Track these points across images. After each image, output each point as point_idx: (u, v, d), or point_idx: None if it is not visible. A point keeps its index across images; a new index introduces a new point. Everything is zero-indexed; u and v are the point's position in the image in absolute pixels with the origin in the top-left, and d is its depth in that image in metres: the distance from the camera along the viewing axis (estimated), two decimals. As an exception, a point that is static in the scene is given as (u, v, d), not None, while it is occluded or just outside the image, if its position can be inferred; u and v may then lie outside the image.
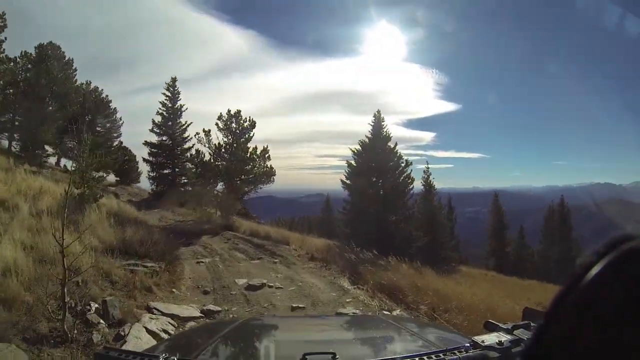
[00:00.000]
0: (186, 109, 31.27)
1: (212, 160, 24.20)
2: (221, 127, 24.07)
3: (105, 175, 23.00)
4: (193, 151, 27.00)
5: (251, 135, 24.64)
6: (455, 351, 1.35)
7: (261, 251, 13.97)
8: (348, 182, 31.30)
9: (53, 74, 27.15)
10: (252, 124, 24.73)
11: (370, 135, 32.30)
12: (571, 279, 0.50)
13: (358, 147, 31.31)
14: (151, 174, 31.03)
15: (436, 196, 32.99)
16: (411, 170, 31.00)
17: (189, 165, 30.18)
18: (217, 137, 24.04)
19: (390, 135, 32.64)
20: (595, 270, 0.48)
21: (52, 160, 30.95)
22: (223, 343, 1.84)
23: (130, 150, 34.89)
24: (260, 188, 24.54)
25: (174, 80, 31.17)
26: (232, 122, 24.19)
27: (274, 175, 24.43)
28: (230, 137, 24.11)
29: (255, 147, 24.04)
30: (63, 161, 32.04)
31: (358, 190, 30.43)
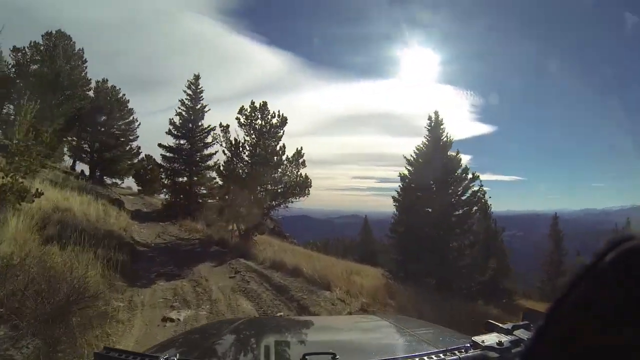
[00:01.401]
0: (208, 109, 26.76)
1: (230, 164, 19.20)
2: (243, 122, 19.15)
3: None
4: (216, 158, 22.65)
5: (280, 134, 19.60)
6: (455, 351, 1.34)
7: (284, 299, 8.75)
8: (400, 198, 25.93)
9: (57, 64, 23.33)
10: (283, 121, 19.72)
11: (426, 142, 26.82)
12: (571, 280, 0.49)
13: (413, 154, 26.08)
14: (164, 182, 26.55)
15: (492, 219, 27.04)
16: (479, 185, 25.36)
17: (209, 174, 25.71)
18: (237, 135, 19.10)
19: (452, 141, 27.08)
20: (595, 270, 0.48)
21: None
22: (223, 343, 1.85)
23: (154, 159, 31.13)
24: (291, 202, 19.27)
25: (196, 77, 26.81)
26: (256, 117, 19.25)
27: (309, 187, 19.16)
28: (253, 135, 19.13)
29: (284, 146, 18.91)
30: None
31: (412, 209, 24.85)
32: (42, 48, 23.52)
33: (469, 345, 1.38)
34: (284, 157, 18.77)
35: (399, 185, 27.16)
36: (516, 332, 1.37)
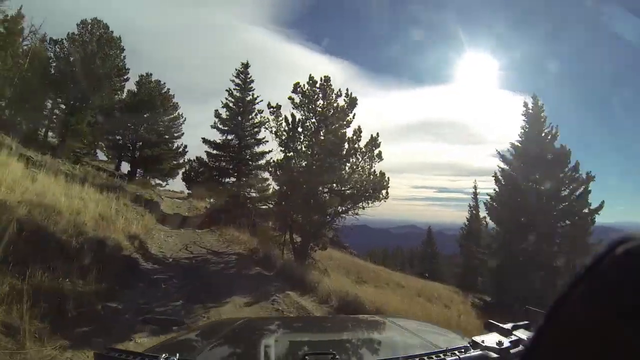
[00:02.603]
0: (260, 100, 22.83)
1: (284, 158, 14.90)
2: (298, 103, 14.81)
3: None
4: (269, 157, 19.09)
5: (349, 118, 15.08)
6: (455, 351, 1.34)
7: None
8: (494, 204, 20.76)
9: (89, 49, 20.55)
10: (352, 102, 15.24)
11: (522, 136, 21.51)
12: (572, 280, 0.50)
13: (511, 150, 21.12)
14: (206, 182, 22.96)
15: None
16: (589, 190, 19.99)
17: (260, 174, 21.68)
18: (290, 122, 14.76)
19: (557, 134, 21.36)
20: (596, 270, 0.48)
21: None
22: (223, 343, 1.85)
23: (204, 160, 27.30)
24: (362, 208, 14.59)
25: (245, 65, 23.07)
26: (316, 96, 14.82)
27: (387, 188, 14.40)
28: (313, 120, 14.71)
29: (357, 132, 14.27)
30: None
31: (512, 220, 19.76)
32: (76, 37, 21.04)
33: (469, 345, 1.37)
34: (355, 149, 14.12)
35: (493, 191, 22.20)
36: (516, 332, 1.36)
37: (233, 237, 14.79)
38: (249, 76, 23.10)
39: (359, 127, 14.47)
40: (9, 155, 12.53)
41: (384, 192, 14.40)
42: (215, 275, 9.48)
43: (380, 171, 14.55)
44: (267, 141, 22.36)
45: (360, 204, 14.53)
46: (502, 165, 22.39)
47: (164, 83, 26.51)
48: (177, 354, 1.31)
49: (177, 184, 35.58)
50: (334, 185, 14.76)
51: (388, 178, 14.55)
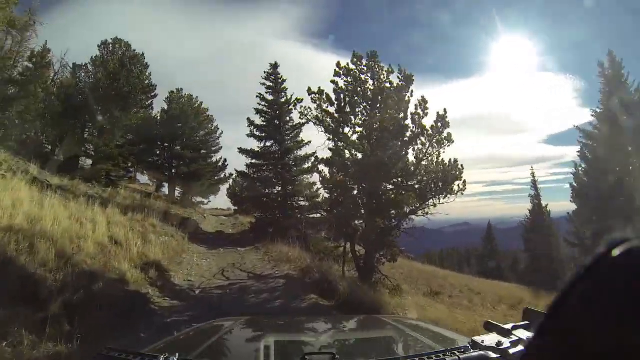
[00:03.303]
0: (298, 99, 20.40)
1: (334, 155, 12.31)
2: (343, 86, 12.37)
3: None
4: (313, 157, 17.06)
5: (407, 98, 12.35)
6: (455, 351, 1.34)
7: None
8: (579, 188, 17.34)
9: (111, 67, 19.23)
10: (408, 79, 12.50)
11: (603, 101, 17.98)
12: (571, 281, 0.50)
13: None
14: (250, 195, 20.72)
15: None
16: None
17: (307, 180, 19.36)
18: (336, 101, 12.16)
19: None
20: (595, 270, 0.49)
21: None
22: (223, 343, 1.84)
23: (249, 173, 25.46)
24: (435, 206, 11.77)
25: (274, 66, 20.66)
26: (364, 76, 12.17)
27: (460, 178, 11.67)
28: (365, 104, 12.09)
29: (421, 104, 11.46)
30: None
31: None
32: (98, 58, 19.88)
33: (468, 345, 1.37)
34: (420, 125, 11.27)
35: (580, 168, 18.58)
36: (516, 332, 1.35)
37: (281, 254, 12.20)
38: (279, 77, 20.70)
39: (422, 98, 11.57)
40: (22, 180, 10.85)
41: (458, 183, 11.36)
42: (255, 309, 6.85)
43: (452, 158, 11.58)
44: (310, 142, 20.02)
45: (431, 200, 11.58)
46: (585, 141, 18.82)
47: (197, 97, 24.92)
48: (177, 354, 1.30)
49: (223, 201, 34.05)
50: (398, 180, 11.90)
51: (462, 166, 11.54)
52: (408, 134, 11.68)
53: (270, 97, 20.50)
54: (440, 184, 11.54)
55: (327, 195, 13.71)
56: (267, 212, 19.58)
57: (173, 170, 23.24)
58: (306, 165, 19.52)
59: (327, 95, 12.00)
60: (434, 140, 11.45)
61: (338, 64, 12.43)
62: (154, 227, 11.89)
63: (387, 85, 12.40)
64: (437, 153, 11.66)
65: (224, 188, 28.47)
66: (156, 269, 8.28)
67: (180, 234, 12.96)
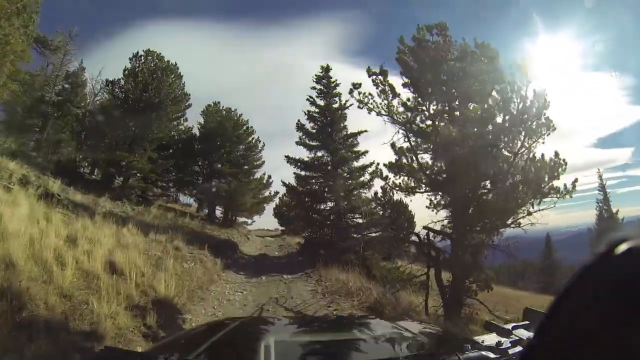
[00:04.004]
0: (351, 104, 17.83)
1: (403, 155, 9.50)
2: (410, 64, 9.51)
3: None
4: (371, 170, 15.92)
5: (488, 78, 9.32)
6: (456, 352, 1.31)
7: None
8: None
9: (140, 78, 17.72)
10: (491, 57, 9.45)
11: None
12: (572, 280, 0.50)
13: None
14: (298, 212, 18.11)
15: None
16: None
17: (364, 194, 16.65)
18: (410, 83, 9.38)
19: None
20: (595, 270, 0.49)
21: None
22: (223, 343, 1.78)
23: (295, 187, 23.08)
24: (530, 214, 8.79)
25: (325, 69, 18.29)
26: (440, 45, 9.45)
27: (563, 173, 8.92)
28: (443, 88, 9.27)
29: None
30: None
31: None
32: (129, 70, 18.55)
33: (468, 345, 1.35)
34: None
35: None
36: (516, 332, 1.38)
37: (337, 283, 9.36)
38: (332, 80, 18.24)
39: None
40: (32, 194, 9.41)
41: (565, 183, 8.22)
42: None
43: (556, 153, 8.48)
44: (367, 151, 17.33)
45: (534, 201, 8.50)
46: None
47: (235, 109, 22.92)
48: (177, 354, 1.34)
49: (269, 221, 32.10)
50: (487, 183, 8.86)
51: (564, 161, 8.37)
52: (498, 120, 8.68)
53: (321, 102, 18.05)
54: (542, 184, 8.42)
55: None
56: (317, 231, 16.87)
57: (213, 188, 21.13)
58: (363, 178, 16.80)
59: (388, 87, 9.24)
60: (534, 126, 8.32)
61: (401, 40, 9.70)
62: (178, 250, 9.48)
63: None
64: (534, 143, 8.55)
65: (270, 207, 26.30)
66: (164, 308, 5.69)
67: (213, 259, 10.43)
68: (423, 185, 9.26)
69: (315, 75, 18.44)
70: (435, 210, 9.19)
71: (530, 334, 1.29)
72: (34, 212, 7.75)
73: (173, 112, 18.91)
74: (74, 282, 5.24)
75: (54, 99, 18.80)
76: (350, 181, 17.21)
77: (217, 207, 22.55)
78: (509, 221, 8.44)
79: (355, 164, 17.37)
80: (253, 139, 22.60)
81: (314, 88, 18.29)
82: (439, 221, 8.83)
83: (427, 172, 8.89)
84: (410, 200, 10.11)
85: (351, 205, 16.50)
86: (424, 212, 9.81)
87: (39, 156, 16.55)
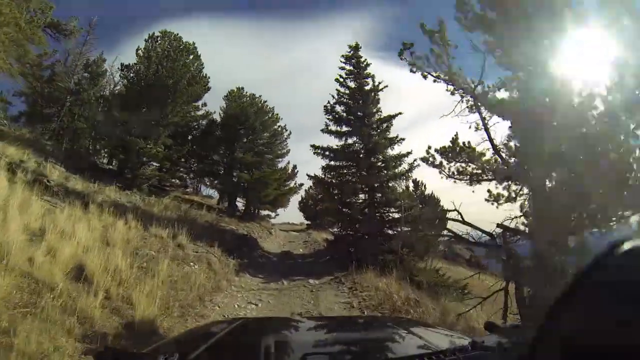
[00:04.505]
0: (385, 86, 15.76)
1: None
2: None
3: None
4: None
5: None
6: (455, 352, 1.30)
7: None
8: None
9: (152, 58, 16.35)
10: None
11: None
12: (571, 281, 0.49)
13: None
14: (326, 205, 16.23)
15: None
16: None
17: (400, 186, 14.66)
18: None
19: None
20: (596, 271, 0.48)
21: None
22: (222, 343, 1.75)
23: (324, 178, 21.25)
24: None
25: (355, 47, 16.10)
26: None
27: None
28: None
29: None
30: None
31: None
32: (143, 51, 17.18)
33: (469, 345, 1.34)
34: None
35: None
36: (516, 332, 1.37)
37: (376, 293, 7.45)
38: (362, 60, 16.18)
39: None
40: (19, 180, 8.01)
41: None
42: None
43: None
44: (404, 139, 15.21)
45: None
46: None
47: (260, 96, 21.16)
48: (177, 354, 1.27)
49: (294, 215, 30.73)
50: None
51: None
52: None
53: (352, 84, 16.06)
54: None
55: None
56: (348, 226, 14.96)
57: (234, 178, 19.51)
58: (401, 168, 14.84)
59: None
60: None
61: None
62: (181, 248, 7.85)
63: None
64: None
65: (295, 200, 24.63)
66: (139, 338, 3.95)
67: (225, 259, 8.73)
68: (490, 173, 7.24)
69: (344, 55, 16.44)
70: (504, 204, 7.16)
71: (530, 334, 0.91)
72: (9, 198, 6.27)
73: (190, 95, 17.28)
74: (7, 297, 3.61)
75: (73, 88, 17.81)
76: (385, 171, 15.21)
77: (239, 199, 20.98)
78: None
79: (390, 152, 15.34)
80: (280, 127, 20.91)
81: (342, 68, 16.34)
82: (513, 218, 6.77)
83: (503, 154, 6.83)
84: (472, 191, 8.08)
85: (386, 198, 14.55)
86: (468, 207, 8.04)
87: (52, 145, 15.50)
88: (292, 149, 22.09)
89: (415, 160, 14.48)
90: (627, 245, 0.45)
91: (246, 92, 21.01)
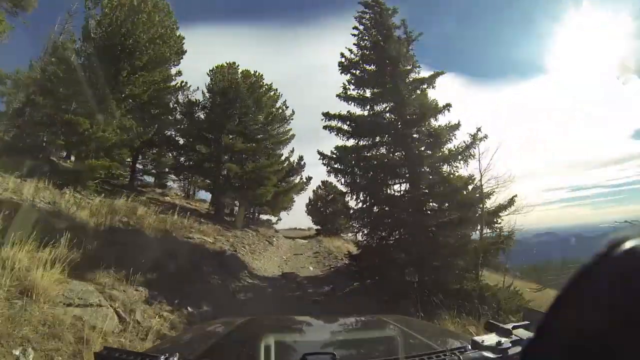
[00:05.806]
0: (420, 34, 11.40)
1: None
2: None
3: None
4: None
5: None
6: (455, 351, 1.31)
7: None
8: None
9: (110, 16, 12.17)
10: None
11: None
12: (571, 280, 0.50)
13: None
14: (345, 202, 11.53)
15: None
16: None
17: (450, 169, 10.10)
18: None
19: None
20: (595, 270, 0.48)
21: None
22: (223, 343, 1.78)
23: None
24: None
25: None
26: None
27: None
28: None
29: None
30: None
31: None
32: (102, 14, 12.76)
33: (469, 345, 1.32)
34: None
35: None
36: (516, 332, 1.29)
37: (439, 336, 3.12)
38: (385, 7, 11.54)
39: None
40: None
41: None
42: None
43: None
44: (451, 105, 10.65)
45: None
46: None
47: (256, 71, 16.39)
48: (177, 354, 1.26)
49: (300, 220, 26.40)
50: None
51: None
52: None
53: (379, 37, 11.43)
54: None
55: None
56: (376, 229, 10.22)
57: (222, 172, 14.73)
58: (450, 145, 10.30)
59: None
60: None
61: None
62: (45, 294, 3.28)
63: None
64: None
65: (301, 200, 20.07)
66: None
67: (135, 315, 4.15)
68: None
69: (360, 2, 11.86)
70: None
71: (530, 334, 1.17)
72: None
73: (155, 58, 12.64)
74: None
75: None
76: (427, 152, 10.49)
77: (234, 200, 16.28)
78: None
79: (434, 122, 10.64)
80: (280, 107, 16.18)
81: (359, 18, 11.82)
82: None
83: None
84: None
85: (430, 190, 9.87)
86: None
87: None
88: (303, 151, 17.67)
89: (479, 129, 9.89)
90: (627, 245, 0.44)
91: (240, 69, 16.25)
